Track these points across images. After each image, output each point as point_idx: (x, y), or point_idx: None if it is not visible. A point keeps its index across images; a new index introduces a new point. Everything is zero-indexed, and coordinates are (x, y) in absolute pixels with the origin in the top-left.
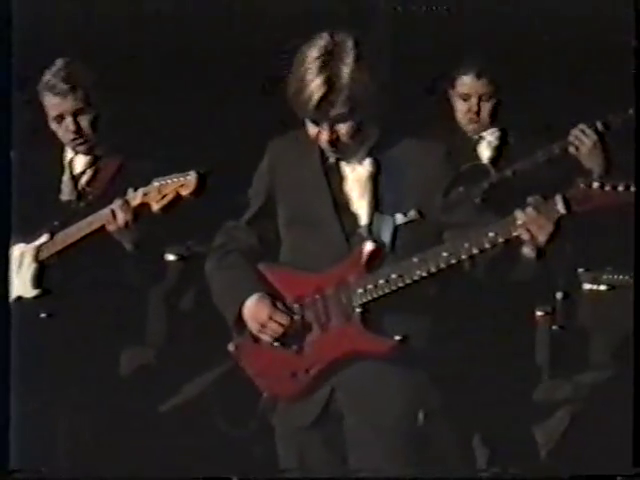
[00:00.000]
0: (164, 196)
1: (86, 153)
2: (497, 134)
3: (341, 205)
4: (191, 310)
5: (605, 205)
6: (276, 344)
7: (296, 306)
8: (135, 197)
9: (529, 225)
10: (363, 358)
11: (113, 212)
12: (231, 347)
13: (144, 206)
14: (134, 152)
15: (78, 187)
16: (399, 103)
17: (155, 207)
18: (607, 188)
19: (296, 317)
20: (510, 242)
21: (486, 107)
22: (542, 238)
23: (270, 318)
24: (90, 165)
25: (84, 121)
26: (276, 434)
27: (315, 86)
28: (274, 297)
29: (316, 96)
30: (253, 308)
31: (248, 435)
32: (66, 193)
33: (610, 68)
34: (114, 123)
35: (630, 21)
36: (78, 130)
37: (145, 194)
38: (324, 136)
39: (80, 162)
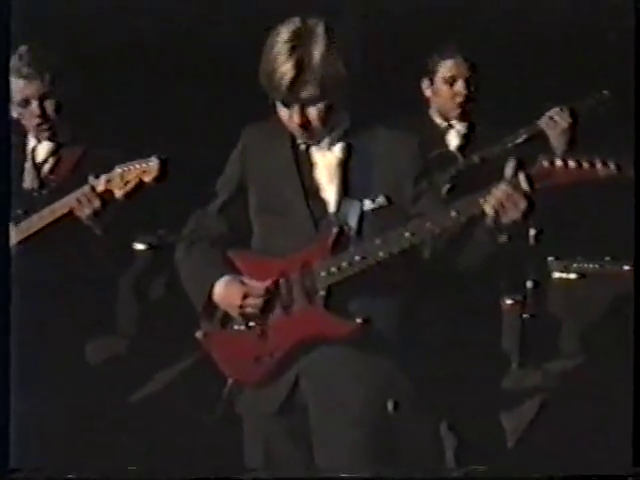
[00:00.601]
0: (127, 182)
1: (49, 139)
2: (466, 122)
3: (310, 191)
4: (162, 299)
5: (569, 182)
6: (241, 328)
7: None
8: (99, 184)
9: (504, 201)
10: (327, 341)
11: (79, 200)
12: (199, 335)
13: (107, 193)
14: (97, 140)
15: (41, 175)
16: (370, 91)
17: (118, 194)
18: (571, 164)
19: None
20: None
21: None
22: (516, 215)
23: (246, 295)
24: (52, 153)
25: (50, 106)
26: (243, 422)
27: (287, 68)
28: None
29: (288, 77)
30: (224, 291)
31: (216, 423)
32: (28, 181)
33: (587, 55)
34: (77, 110)
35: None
36: (43, 115)
37: (108, 180)
38: (295, 119)
39: (43, 150)
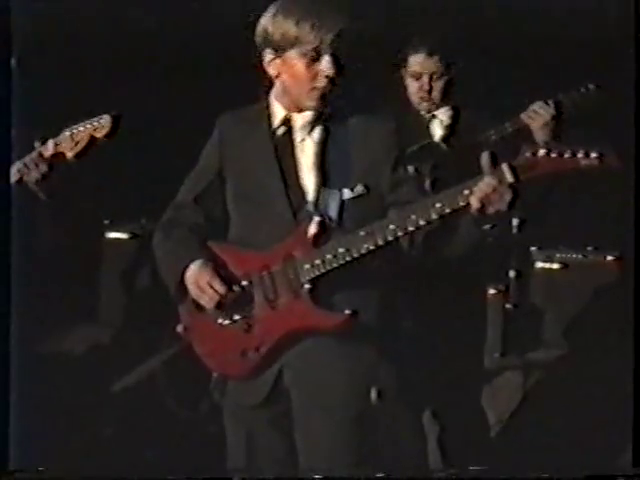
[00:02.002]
0: (77, 143)
1: None
2: (449, 113)
3: (289, 180)
4: (146, 289)
5: (552, 172)
6: (226, 322)
7: (245, 283)
8: (47, 148)
9: (489, 194)
10: (313, 334)
11: (26, 165)
12: (180, 328)
13: (58, 156)
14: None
15: None
16: (351, 79)
17: (70, 154)
18: (553, 155)
19: (235, 288)
20: (451, 215)
21: (437, 86)
22: (502, 206)
23: (209, 284)
24: None
25: None
26: (224, 414)
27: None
28: (218, 265)
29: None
30: (195, 273)
31: (199, 417)
32: None
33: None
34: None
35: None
36: None
37: (56, 144)
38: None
39: None
